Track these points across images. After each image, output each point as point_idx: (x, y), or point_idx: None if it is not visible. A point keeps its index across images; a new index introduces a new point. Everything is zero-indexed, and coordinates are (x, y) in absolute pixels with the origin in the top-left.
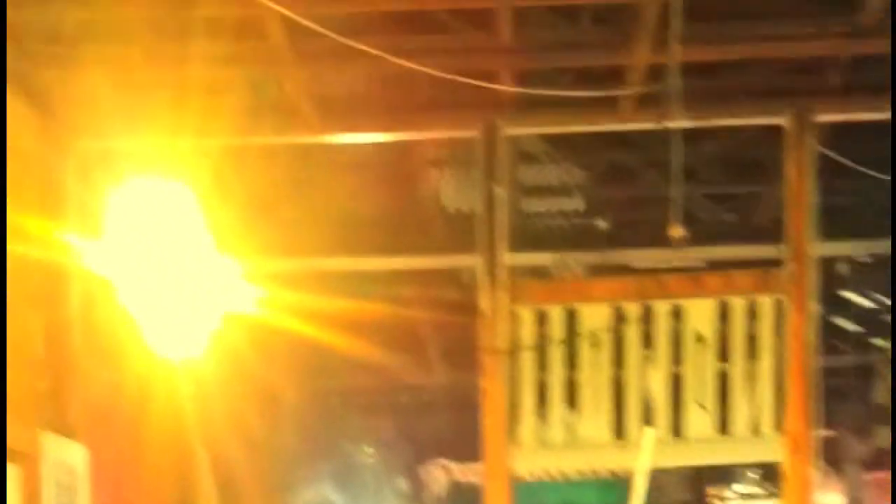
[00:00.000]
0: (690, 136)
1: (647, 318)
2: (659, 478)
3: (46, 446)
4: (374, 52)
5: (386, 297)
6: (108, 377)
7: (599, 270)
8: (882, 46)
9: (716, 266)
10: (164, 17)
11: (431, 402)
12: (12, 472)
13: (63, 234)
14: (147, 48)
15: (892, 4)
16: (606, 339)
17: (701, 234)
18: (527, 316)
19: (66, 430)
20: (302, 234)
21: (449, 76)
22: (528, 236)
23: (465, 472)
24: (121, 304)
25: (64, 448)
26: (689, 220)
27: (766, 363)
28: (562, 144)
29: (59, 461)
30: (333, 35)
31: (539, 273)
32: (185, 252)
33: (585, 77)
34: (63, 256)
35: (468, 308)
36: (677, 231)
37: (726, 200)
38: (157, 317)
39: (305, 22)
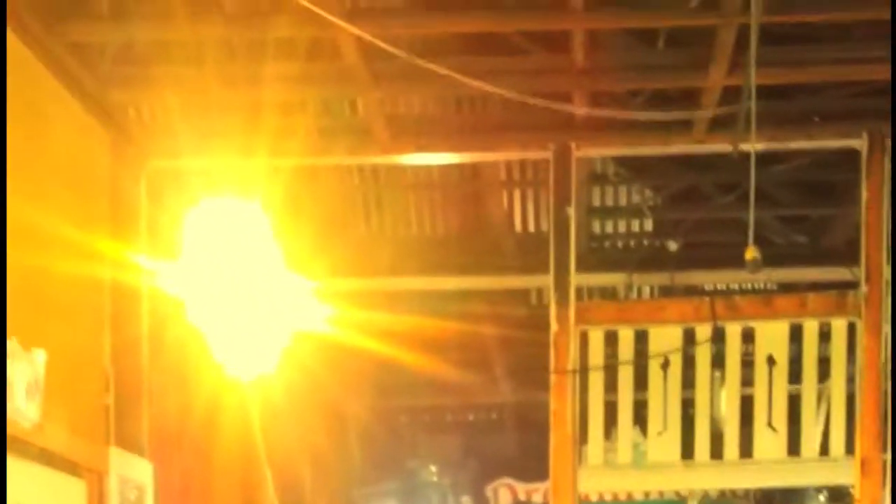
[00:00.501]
0: (762, 158)
1: (717, 339)
2: (728, 499)
3: (114, 462)
4: (448, 73)
5: (455, 315)
6: (176, 395)
7: (670, 292)
8: None
9: (788, 288)
10: (237, 38)
11: (499, 420)
12: (79, 487)
13: (134, 253)
14: (220, 69)
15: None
16: (676, 360)
17: (773, 257)
18: (596, 336)
19: (133, 447)
20: (373, 253)
21: (522, 98)
22: (599, 257)
23: (532, 492)
24: (191, 323)
25: (131, 464)
26: (761, 242)
27: (837, 385)
28: (633, 166)
29: (126, 477)
30: (407, 56)
31: (609, 294)
32: (257, 270)
33: (659, 99)
34: (134, 275)
35: (536, 327)
36: (752, 254)
37: (799, 223)
38: (228, 335)
39: (379, 43)
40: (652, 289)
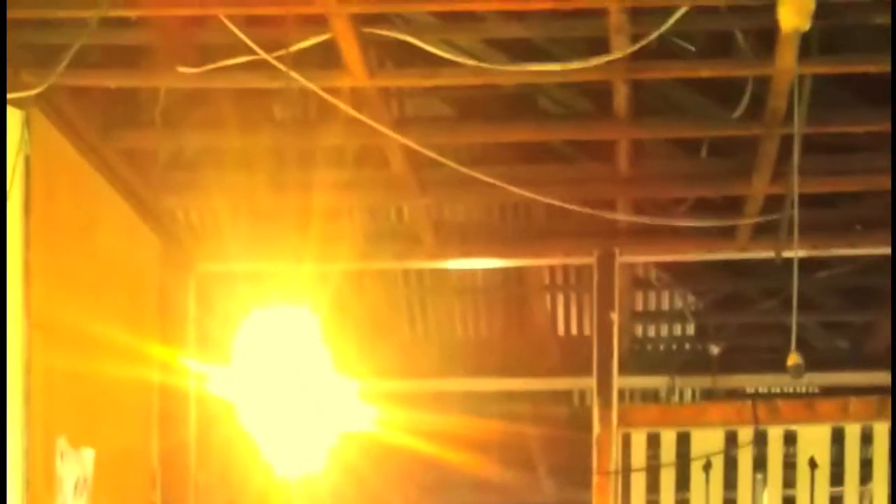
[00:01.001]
0: (805, 264)
1: (759, 442)
2: None
3: None
4: (493, 181)
5: (498, 416)
6: (223, 494)
7: (712, 395)
8: None
9: (830, 392)
10: (286, 145)
11: None
12: None
13: (182, 355)
14: (269, 175)
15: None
16: (718, 463)
17: (815, 361)
18: (639, 438)
19: None
20: (418, 355)
21: (566, 205)
22: (642, 360)
23: None
24: (239, 424)
25: None
26: (802, 346)
27: (880, 488)
28: (676, 271)
29: None
30: (453, 164)
31: (651, 396)
32: (305, 373)
33: (702, 206)
34: (182, 378)
35: (578, 427)
36: (794, 359)
37: (841, 328)
38: (277, 436)
39: (426, 151)
40: (694, 392)
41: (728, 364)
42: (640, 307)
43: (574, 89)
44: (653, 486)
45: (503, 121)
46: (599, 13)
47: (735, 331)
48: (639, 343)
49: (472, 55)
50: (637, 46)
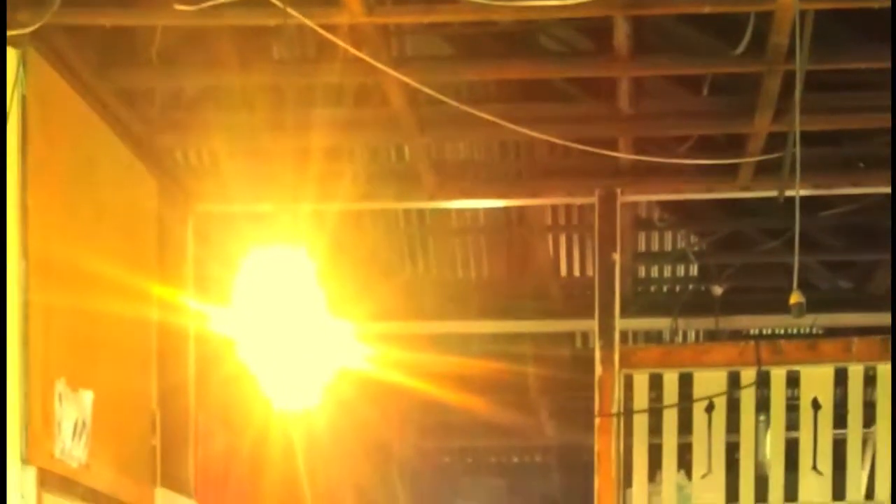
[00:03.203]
0: (808, 203)
1: (762, 383)
2: None
3: (160, 502)
4: (494, 119)
5: (499, 356)
6: (222, 435)
7: (715, 336)
8: None
9: (833, 333)
10: (284, 85)
11: (543, 462)
12: None
13: (181, 295)
14: (268, 114)
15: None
16: (721, 404)
17: (819, 302)
18: (641, 380)
19: (180, 487)
20: (419, 296)
21: (567, 143)
22: (644, 301)
23: None
24: (238, 362)
25: None
26: (806, 287)
27: (883, 430)
28: (679, 211)
29: None
30: (454, 102)
31: (654, 337)
32: (301, 313)
33: (704, 145)
34: (181, 317)
35: (580, 369)
36: (796, 298)
37: (845, 268)
38: (275, 371)
39: (426, 89)
40: (697, 333)
41: (731, 305)
42: (643, 248)
43: (575, 27)
44: (655, 428)
45: (503, 59)
46: None
47: (738, 271)
48: (642, 284)
49: None
50: None
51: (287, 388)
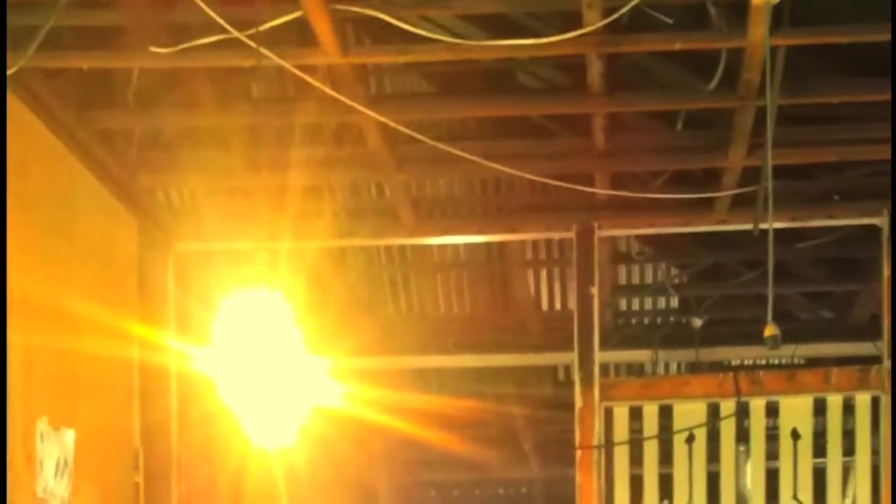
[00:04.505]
0: (787, 235)
1: (741, 413)
2: None
3: None
4: (470, 157)
5: (482, 392)
6: (204, 470)
7: (696, 367)
8: None
9: (814, 363)
10: (262, 124)
11: (528, 495)
12: None
13: (162, 334)
14: (246, 153)
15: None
16: (701, 435)
17: (798, 332)
18: (621, 412)
19: None
20: (401, 332)
21: (542, 179)
22: (625, 334)
23: None
24: (218, 400)
25: None
26: (786, 318)
27: (862, 459)
28: (658, 244)
29: None
30: (430, 141)
31: (637, 370)
32: (278, 352)
33: (680, 178)
34: (162, 356)
35: (563, 404)
36: (771, 331)
37: (824, 298)
38: (253, 410)
39: (401, 128)
40: (680, 364)
41: (711, 336)
42: (622, 281)
43: (552, 64)
44: (636, 460)
45: (479, 96)
46: None
47: (717, 303)
48: (622, 317)
49: (449, 30)
50: (608, 20)
51: (265, 425)
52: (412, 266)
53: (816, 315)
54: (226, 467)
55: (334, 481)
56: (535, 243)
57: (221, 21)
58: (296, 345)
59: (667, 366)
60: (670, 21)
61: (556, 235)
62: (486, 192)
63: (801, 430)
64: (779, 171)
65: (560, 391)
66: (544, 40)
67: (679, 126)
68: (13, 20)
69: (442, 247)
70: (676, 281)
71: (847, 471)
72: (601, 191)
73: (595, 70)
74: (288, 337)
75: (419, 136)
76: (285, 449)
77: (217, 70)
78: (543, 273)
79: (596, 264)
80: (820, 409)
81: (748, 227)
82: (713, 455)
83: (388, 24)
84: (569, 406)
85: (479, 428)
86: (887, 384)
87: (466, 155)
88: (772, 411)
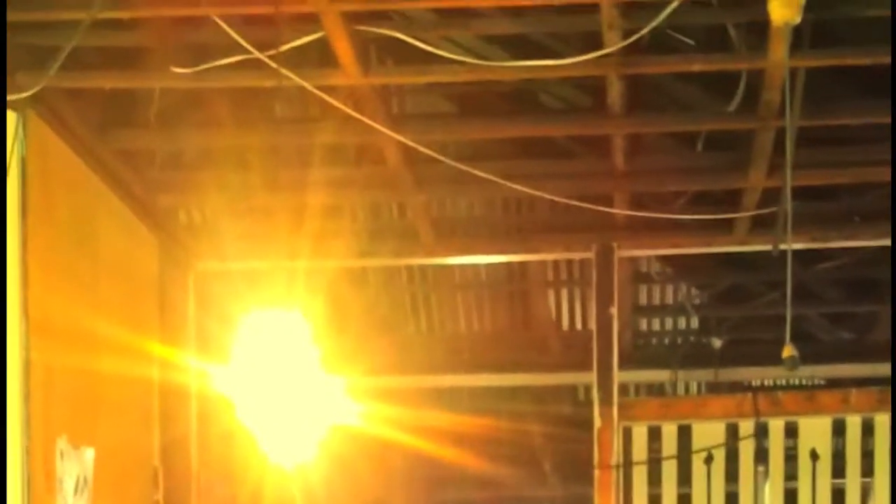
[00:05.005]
0: (808, 256)
1: (760, 434)
2: None
3: None
4: (489, 177)
5: (501, 410)
6: (223, 489)
7: (715, 388)
8: None
9: (834, 384)
10: (283, 143)
11: None
12: None
13: (182, 353)
14: (267, 173)
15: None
16: (720, 455)
17: (818, 353)
18: (640, 432)
19: None
20: (421, 351)
21: (561, 200)
22: (645, 354)
23: None
24: (237, 419)
25: None
26: (806, 338)
27: (881, 480)
28: (678, 264)
29: None
30: (450, 161)
31: (657, 390)
32: (296, 371)
33: (700, 199)
34: (182, 375)
35: (583, 423)
36: (789, 352)
37: (844, 319)
38: (272, 429)
39: (421, 148)
40: (699, 385)
41: (731, 357)
42: (643, 301)
43: (573, 84)
44: (654, 480)
45: (500, 116)
46: (593, 8)
47: (737, 323)
48: (642, 337)
49: (471, 51)
50: (628, 41)
51: (283, 444)
52: (433, 285)
53: (836, 336)
54: (244, 485)
55: (352, 499)
56: (555, 263)
57: (243, 41)
58: (314, 364)
59: (687, 386)
60: (692, 42)
61: (576, 256)
62: (506, 212)
63: (819, 451)
64: (799, 192)
65: (580, 410)
66: (563, 61)
67: (699, 146)
68: (36, 40)
69: (463, 266)
70: (696, 301)
71: (866, 492)
72: (621, 211)
73: (615, 91)
74: (306, 356)
75: (439, 157)
76: (303, 467)
77: (239, 90)
78: (564, 293)
79: (615, 285)
80: (839, 429)
81: (768, 248)
82: (732, 475)
83: (411, 44)
84: (588, 425)
85: (497, 447)
86: None
87: (486, 175)
88: (791, 432)
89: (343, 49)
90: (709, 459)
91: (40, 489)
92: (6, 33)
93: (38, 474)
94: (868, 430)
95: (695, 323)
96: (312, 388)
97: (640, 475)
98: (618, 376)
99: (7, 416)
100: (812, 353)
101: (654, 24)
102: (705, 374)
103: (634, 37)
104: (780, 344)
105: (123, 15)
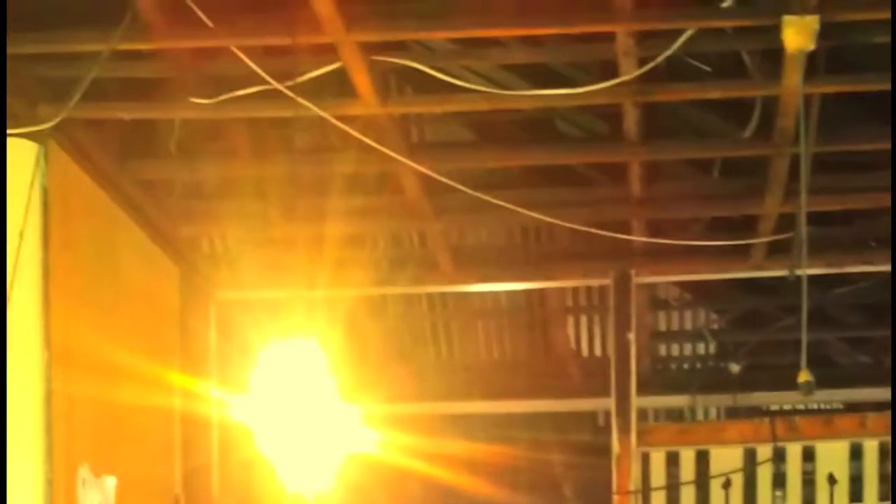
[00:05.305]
0: (826, 280)
1: (778, 459)
2: None
3: None
4: (507, 205)
5: (522, 440)
6: None
7: (734, 413)
8: None
9: (852, 408)
10: (302, 173)
11: None
12: None
13: (203, 382)
14: (287, 203)
15: None
16: (738, 480)
17: (836, 377)
18: (658, 458)
19: None
20: (439, 378)
21: (582, 227)
22: (663, 379)
23: None
24: (256, 447)
25: None
26: (824, 363)
27: None
28: (696, 290)
29: None
30: (468, 190)
31: (676, 415)
32: (313, 400)
33: (717, 225)
34: (204, 404)
35: (603, 449)
36: (805, 377)
37: (863, 343)
38: (290, 457)
39: (439, 177)
40: (718, 410)
41: (749, 382)
42: (661, 327)
43: (591, 112)
44: None
45: (518, 144)
46: (609, 37)
47: (755, 348)
48: (661, 362)
49: (490, 80)
50: (644, 70)
51: (301, 472)
52: (453, 313)
53: (854, 360)
54: None
55: None
56: (575, 290)
57: (261, 72)
58: (331, 393)
59: (706, 411)
60: (708, 69)
61: (594, 282)
62: (525, 240)
63: (837, 475)
64: (815, 218)
65: (599, 437)
66: (579, 90)
67: (715, 173)
68: (57, 71)
69: (482, 294)
70: (714, 326)
71: None
72: (638, 238)
73: (631, 118)
74: (323, 385)
75: (456, 185)
76: (322, 495)
77: (258, 121)
78: (583, 319)
79: (633, 311)
80: (857, 453)
81: (784, 273)
82: (750, 500)
83: (430, 73)
84: (608, 451)
85: (517, 474)
86: None
87: (505, 204)
88: (808, 456)
89: (361, 79)
90: (727, 484)
91: None
92: (6, 60)
93: (60, 502)
94: (885, 454)
95: (713, 348)
96: (330, 416)
97: (658, 501)
98: (636, 402)
99: (29, 444)
100: (830, 377)
101: (668, 52)
102: (724, 399)
103: (650, 65)
104: (798, 368)
105: (143, 46)
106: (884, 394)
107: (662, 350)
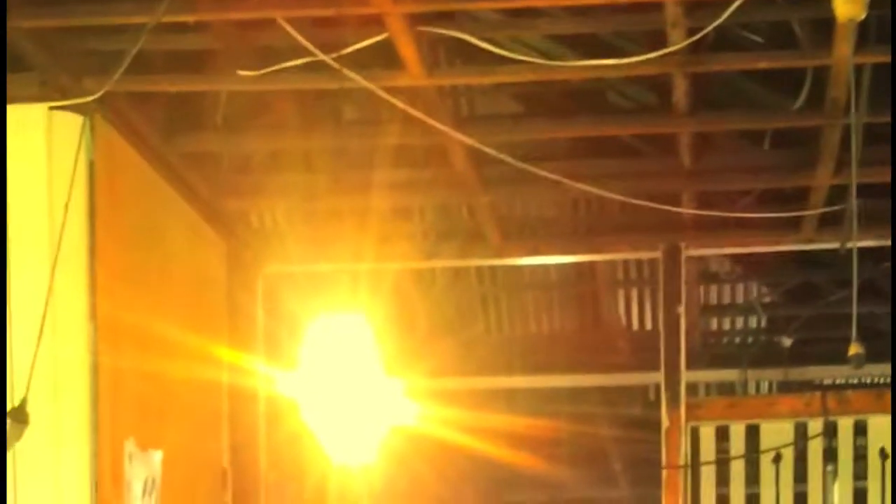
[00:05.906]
0: (878, 253)
1: (829, 433)
2: None
3: None
4: (554, 177)
5: (572, 414)
6: (291, 490)
7: (785, 387)
8: None
9: None
10: (349, 146)
11: None
12: None
13: (250, 356)
14: (334, 175)
15: None
16: (788, 455)
17: (888, 351)
18: (707, 432)
19: None
20: (489, 352)
21: (630, 200)
22: (714, 354)
23: None
24: (302, 420)
25: None
26: (876, 336)
27: None
28: (747, 263)
29: None
30: (515, 162)
31: (727, 389)
32: (359, 374)
33: (768, 197)
34: (251, 378)
35: (654, 423)
36: (855, 349)
37: None
38: (335, 430)
39: (486, 149)
40: (771, 384)
41: (801, 356)
42: (712, 301)
43: (641, 83)
44: (722, 480)
45: (566, 116)
46: (658, 6)
47: (807, 322)
48: (711, 336)
49: (537, 50)
50: (692, 40)
51: (346, 445)
52: (503, 286)
53: None
54: (310, 485)
55: (415, 499)
56: (625, 263)
57: (308, 44)
58: (376, 367)
59: (757, 385)
60: (759, 39)
61: (643, 255)
62: (574, 212)
63: (889, 450)
64: (866, 190)
65: (650, 411)
66: (627, 60)
67: (766, 144)
68: (101, 44)
69: (532, 267)
70: (765, 300)
71: None
72: (688, 210)
73: (680, 89)
74: (369, 359)
75: (504, 157)
76: (366, 467)
77: (305, 93)
78: (634, 293)
79: (683, 284)
80: None
81: (836, 245)
82: (800, 475)
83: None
84: (658, 426)
85: (567, 448)
86: None
87: (552, 175)
88: (860, 430)
89: (407, 50)
90: (777, 459)
91: (108, 492)
92: (6, 32)
93: (105, 477)
94: None
95: (764, 322)
96: (375, 390)
97: (707, 475)
98: (686, 376)
99: (75, 419)
100: (882, 350)
101: (717, 22)
102: (775, 374)
103: (699, 35)
104: (849, 342)
105: (188, 18)
106: None
107: (713, 324)
